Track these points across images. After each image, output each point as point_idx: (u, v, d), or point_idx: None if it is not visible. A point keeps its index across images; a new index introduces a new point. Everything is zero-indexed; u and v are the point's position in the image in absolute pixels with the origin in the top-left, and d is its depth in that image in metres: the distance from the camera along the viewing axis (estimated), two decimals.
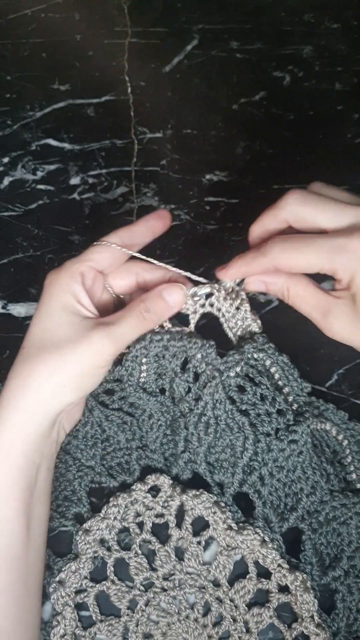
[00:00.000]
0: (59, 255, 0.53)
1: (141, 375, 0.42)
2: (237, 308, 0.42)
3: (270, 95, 0.60)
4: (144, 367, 0.42)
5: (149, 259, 0.40)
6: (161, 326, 0.42)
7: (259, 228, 0.37)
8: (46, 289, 0.37)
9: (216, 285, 0.41)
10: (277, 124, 0.59)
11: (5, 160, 0.58)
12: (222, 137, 0.58)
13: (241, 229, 0.54)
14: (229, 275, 0.38)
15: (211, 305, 0.42)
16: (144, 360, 0.41)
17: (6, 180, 0.57)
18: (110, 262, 0.39)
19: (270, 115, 0.59)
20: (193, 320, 0.42)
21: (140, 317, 0.37)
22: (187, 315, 0.42)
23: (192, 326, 0.42)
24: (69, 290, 0.36)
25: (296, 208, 0.34)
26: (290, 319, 0.48)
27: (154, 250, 0.53)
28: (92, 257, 0.38)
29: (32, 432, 0.34)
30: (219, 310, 0.42)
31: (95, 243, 0.38)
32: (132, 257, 0.40)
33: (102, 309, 0.40)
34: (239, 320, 0.42)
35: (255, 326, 0.42)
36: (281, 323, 0.47)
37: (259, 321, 0.42)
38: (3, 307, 0.51)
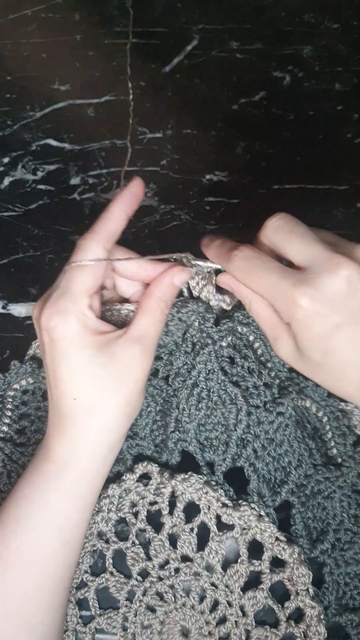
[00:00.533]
0: (59, 255, 0.54)
1: None
2: (202, 288, 0.41)
3: (270, 95, 0.61)
4: None
5: (132, 258, 0.38)
6: None
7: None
8: (61, 344, 0.34)
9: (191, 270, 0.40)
10: (277, 124, 0.59)
11: (5, 160, 0.58)
12: (222, 137, 0.59)
13: (241, 229, 0.54)
14: (206, 253, 0.38)
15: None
16: None
17: (6, 180, 0.57)
18: (102, 276, 0.36)
19: (270, 115, 0.60)
20: (184, 287, 0.42)
21: (163, 315, 0.37)
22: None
23: (186, 293, 0.42)
24: (88, 332, 0.35)
25: (270, 235, 0.34)
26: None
27: (153, 251, 0.53)
28: (86, 287, 0.35)
29: (113, 458, 0.37)
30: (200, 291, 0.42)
31: (72, 264, 0.35)
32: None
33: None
34: (204, 298, 0.42)
35: (224, 305, 0.42)
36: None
37: (227, 299, 0.42)
38: (3, 307, 0.52)
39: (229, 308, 0.42)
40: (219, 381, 0.41)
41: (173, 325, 0.41)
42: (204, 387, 0.41)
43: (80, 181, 0.57)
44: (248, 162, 0.58)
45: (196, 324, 0.41)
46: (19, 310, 0.52)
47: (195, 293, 0.42)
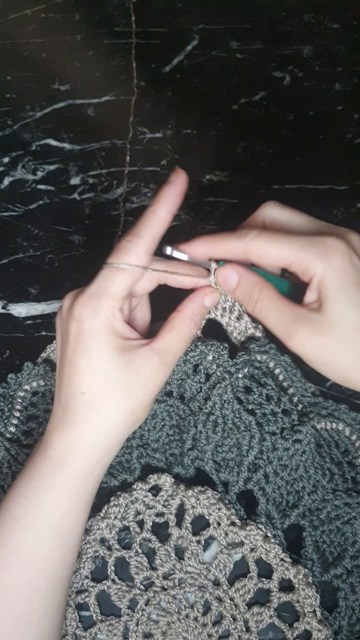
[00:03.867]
0: (59, 255, 0.53)
1: None
2: (238, 318, 0.42)
3: (270, 95, 0.60)
4: None
5: (172, 270, 0.37)
6: None
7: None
8: (87, 336, 0.34)
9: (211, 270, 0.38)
10: (277, 124, 0.59)
11: (5, 160, 0.58)
12: (222, 137, 0.58)
13: None
14: (191, 248, 0.36)
15: (214, 311, 0.42)
16: None
17: (6, 180, 0.57)
18: (138, 281, 0.35)
19: (270, 115, 0.59)
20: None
21: (190, 334, 0.36)
22: None
23: (199, 332, 0.42)
24: (114, 333, 0.34)
25: (273, 211, 0.36)
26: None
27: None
28: (121, 288, 0.34)
29: (107, 463, 0.36)
30: (222, 317, 0.43)
31: (113, 265, 0.34)
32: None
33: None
34: (242, 330, 0.43)
35: (258, 332, 0.43)
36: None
37: (260, 327, 0.43)
38: (3, 307, 0.51)
39: (261, 335, 0.43)
40: (234, 410, 0.41)
41: (188, 361, 0.42)
42: (219, 414, 0.41)
43: (80, 181, 0.57)
44: (248, 162, 0.57)
45: (210, 357, 0.41)
46: (19, 310, 0.51)
47: (230, 329, 0.42)
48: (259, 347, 0.41)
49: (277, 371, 0.42)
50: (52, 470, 0.34)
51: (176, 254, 0.36)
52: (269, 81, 0.61)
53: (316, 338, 0.32)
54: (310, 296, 0.33)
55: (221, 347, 0.41)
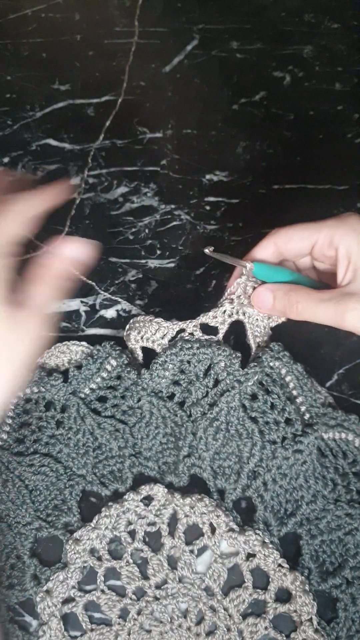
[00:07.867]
0: None
1: (162, 381, 0.41)
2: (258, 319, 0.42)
3: (270, 95, 0.59)
4: (167, 373, 0.41)
5: None
6: (191, 334, 0.42)
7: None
8: None
9: (246, 265, 0.39)
10: (277, 124, 0.58)
11: (5, 160, 0.57)
12: (222, 137, 0.57)
13: (241, 229, 0.52)
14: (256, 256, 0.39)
15: (237, 313, 0.41)
16: (170, 365, 0.41)
17: None
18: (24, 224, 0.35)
19: (270, 115, 0.58)
20: (222, 331, 0.41)
21: (47, 280, 0.34)
22: (216, 327, 0.42)
23: (220, 336, 0.42)
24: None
25: (282, 232, 0.37)
26: (290, 319, 0.47)
27: (153, 249, 0.52)
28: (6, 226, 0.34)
29: None
30: (244, 314, 0.41)
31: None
32: None
33: None
34: (265, 326, 0.42)
35: (280, 319, 0.42)
36: (281, 323, 0.46)
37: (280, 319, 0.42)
38: None
39: (280, 321, 0.42)
40: (238, 417, 0.40)
41: (183, 355, 0.41)
42: (224, 421, 0.40)
43: (80, 181, 0.56)
44: (248, 162, 0.56)
45: (222, 364, 0.40)
46: None
47: (251, 320, 0.41)
48: (272, 355, 0.41)
49: (288, 378, 0.41)
50: None
51: (215, 255, 0.38)
52: (269, 81, 0.60)
53: None
54: (341, 272, 0.35)
55: (233, 355, 0.40)
